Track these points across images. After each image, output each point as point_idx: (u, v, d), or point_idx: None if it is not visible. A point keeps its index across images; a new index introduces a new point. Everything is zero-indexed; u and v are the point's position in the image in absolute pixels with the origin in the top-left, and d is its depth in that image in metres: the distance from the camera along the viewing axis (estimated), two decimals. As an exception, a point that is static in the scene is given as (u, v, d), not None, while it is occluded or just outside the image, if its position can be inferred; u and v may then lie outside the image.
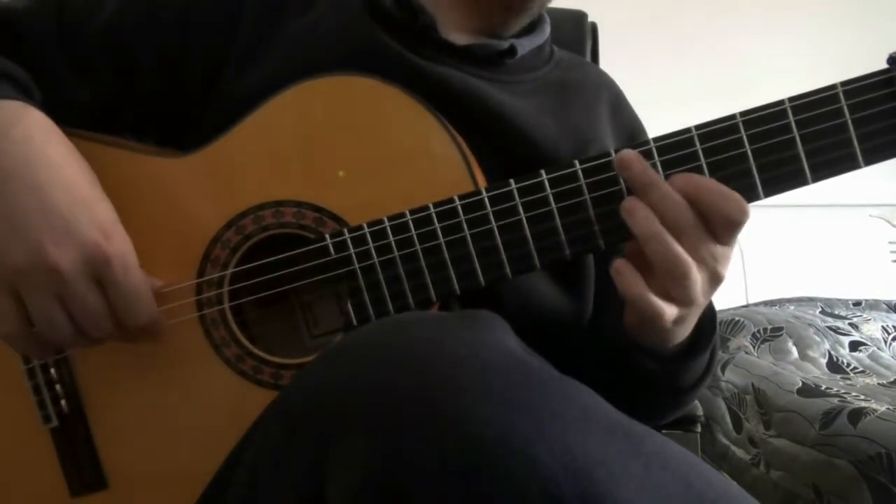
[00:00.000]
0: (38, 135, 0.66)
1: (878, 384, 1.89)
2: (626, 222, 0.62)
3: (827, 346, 2.12)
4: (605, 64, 1.21)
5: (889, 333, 2.27)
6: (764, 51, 2.90)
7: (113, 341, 0.67)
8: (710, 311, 0.73)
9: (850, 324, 2.28)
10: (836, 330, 2.22)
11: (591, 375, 0.55)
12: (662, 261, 0.61)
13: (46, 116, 0.68)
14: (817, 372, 1.98)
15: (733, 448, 1.90)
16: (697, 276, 0.62)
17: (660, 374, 0.72)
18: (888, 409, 1.55)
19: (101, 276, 0.63)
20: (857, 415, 1.55)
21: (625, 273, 0.63)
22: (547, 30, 0.91)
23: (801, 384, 1.79)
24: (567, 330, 0.80)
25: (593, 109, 0.87)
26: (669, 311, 0.63)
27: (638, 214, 0.62)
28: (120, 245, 0.64)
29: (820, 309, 2.39)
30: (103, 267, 0.63)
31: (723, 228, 0.61)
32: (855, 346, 2.17)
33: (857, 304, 2.48)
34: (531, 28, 0.89)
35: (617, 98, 0.92)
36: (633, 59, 2.46)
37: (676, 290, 0.62)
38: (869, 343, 2.19)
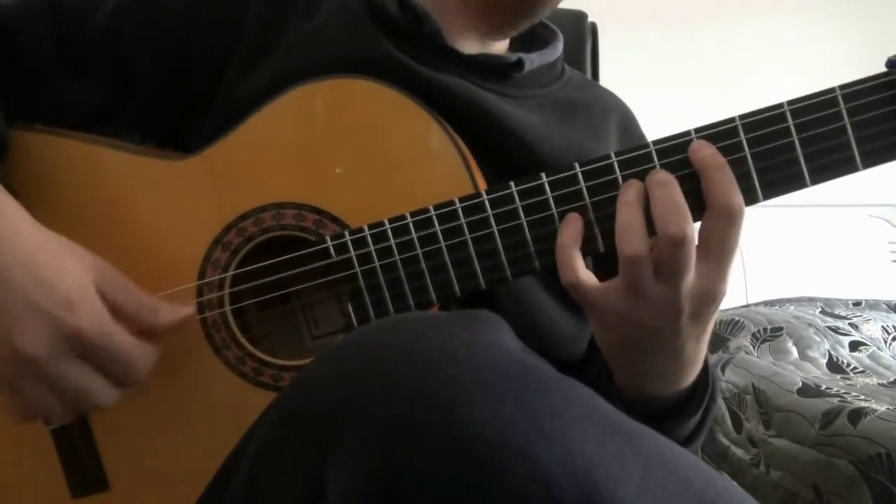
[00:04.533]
0: None
1: (878, 384, 1.88)
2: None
3: (827, 346, 2.12)
4: (605, 64, 1.21)
5: (889, 333, 2.27)
6: (764, 52, 2.90)
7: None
8: (703, 375, 0.73)
9: (850, 324, 2.28)
10: (836, 330, 2.22)
11: None
12: (619, 229, 0.61)
13: None
14: (817, 372, 1.98)
15: (733, 448, 1.90)
16: (648, 270, 0.61)
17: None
18: (888, 409, 1.55)
19: (80, 350, 0.61)
20: (857, 415, 1.54)
21: (572, 223, 0.64)
22: (559, 47, 0.90)
23: (801, 384, 1.79)
24: (565, 347, 0.80)
25: (600, 130, 0.86)
26: (588, 277, 0.63)
27: (629, 190, 0.63)
28: (87, 314, 0.61)
29: (820, 309, 2.38)
30: (75, 341, 0.60)
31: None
32: (855, 346, 2.16)
33: (857, 304, 2.47)
34: (544, 43, 0.89)
35: (627, 121, 0.91)
36: (633, 60, 2.46)
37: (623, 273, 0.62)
38: (869, 343, 2.18)
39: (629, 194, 0.62)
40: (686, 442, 0.76)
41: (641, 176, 0.63)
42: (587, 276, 0.63)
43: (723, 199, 0.60)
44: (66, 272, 0.62)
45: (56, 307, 0.59)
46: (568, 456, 0.40)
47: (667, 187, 0.61)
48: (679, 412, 0.72)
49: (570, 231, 0.64)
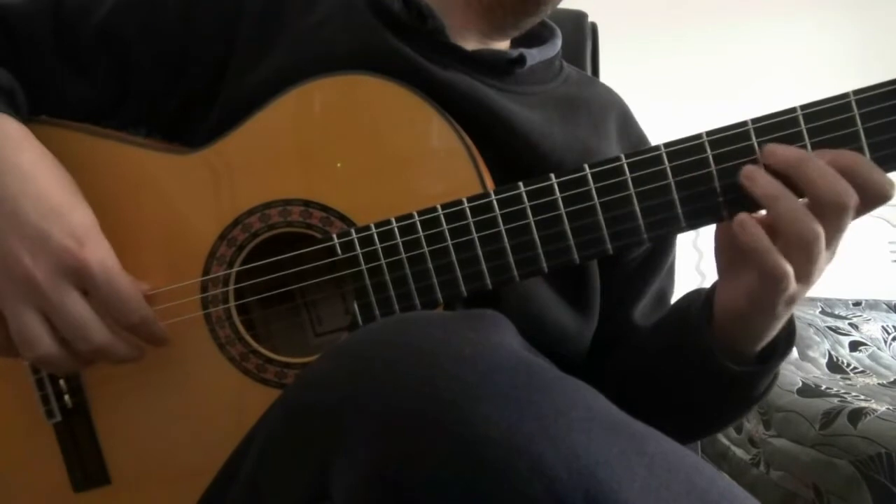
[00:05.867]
0: (8, 144, 0.66)
1: (878, 384, 1.89)
2: (745, 187, 0.62)
3: (827, 346, 2.12)
4: (605, 64, 1.20)
5: (889, 333, 2.27)
6: (766, 52, 2.89)
7: (103, 364, 0.67)
8: (790, 322, 0.72)
9: (850, 324, 2.28)
10: (835, 330, 2.22)
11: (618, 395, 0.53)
12: (791, 221, 0.60)
13: (20, 123, 0.68)
14: (817, 372, 1.98)
15: (733, 448, 1.90)
16: (823, 244, 0.60)
17: (741, 377, 0.70)
18: (888, 409, 1.55)
19: (81, 283, 0.63)
20: (857, 415, 1.55)
21: (749, 225, 0.61)
22: (558, 44, 0.90)
23: (801, 384, 1.79)
24: (569, 343, 0.80)
25: (600, 127, 0.86)
26: (791, 272, 0.61)
27: (761, 178, 0.61)
28: (95, 249, 0.64)
29: (820, 309, 2.38)
30: (80, 273, 0.63)
31: (870, 202, 0.60)
32: (855, 346, 2.17)
33: (857, 304, 2.47)
34: (543, 40, 0.89)
35: (625, 116, 0.91)
36: (634, 60, 2.46)
37: (799, 255, 0.60)
38: (869, 343, 2.19)
39: (774, 186, 0.61)
40: (763, 395, 0.75)
41: (653, 177, 0.63)
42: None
43: (831, 195, 0.59)
44: (76, 209, 0.66)
45: (65, 236, 0.62)
46: (572, 456, 0.39)
47: (814, 161, 0.60)
48: (774, 353, 0.71)
49: (759, 231, 0.61)
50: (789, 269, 0.61)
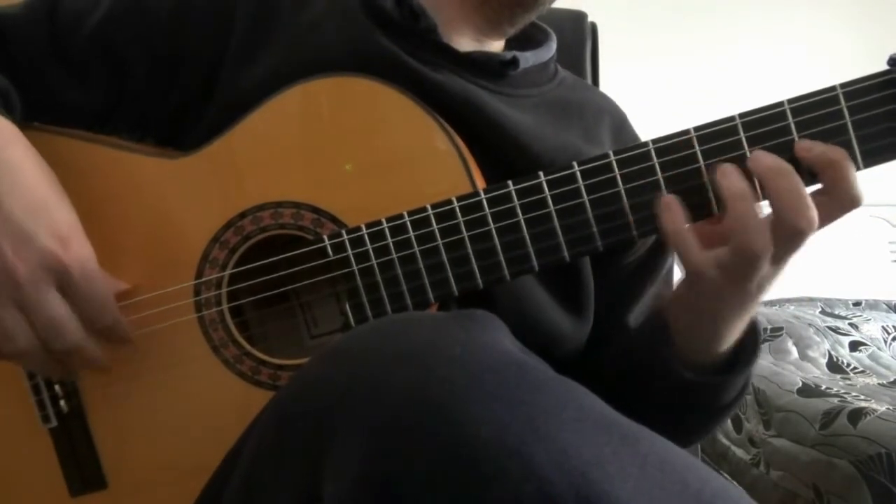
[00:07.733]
0: None
1: (878, 384, 1.88)
2: (717, 181, 0.62)
3: (827, 346, 2.12)
4: (604, 64, 1.20)
5: (889, 333, 2.27)
6: (766, 51, 2.89)
7: (79, 360, 0.67)
8: (754, 329, 0.73)
9: (850, 324, 2.28)
10: (836, 330, 2.22)
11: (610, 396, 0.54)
12: (741, 222, 0.60)
13: (7, 120, 0.68)
14: (817, 372, 1.97)
15: (733, 448, 1.90)
16: (767, 256, 0.61)
17: (699, 387, 0.71)
18: (888, 409, 1.54)
19: (60, 282, 0.64)
20: (857, 415, 1.54)
21: (672, 208, 0.62)
22: (553, 47, 0.89)
23: (801, 384, 1.79)
24: (563, 344, 0.80)
25: (592, 132, 0.86)
26: (710, 270, 0.62)
27: (733, 175, 0.61)
28: (78, 250, 0.64)
29: (820, 309, 2.38)
30: (61, 273, 0.63)
31: (844, 206, 0.61)
32: (855, 346, 2.16)
33: (857, 304, 2.47)
34: (537, 43, 0.89)
35: (620, 122, 0.91)
36: (633, 60, 2.46)
37: (737, 262, 0.61)
38: (869, 343, 2.18)
39: (742, 185, 0.61)
40: (731, 405, 0.76)
41: (641, 173, 0.63)
42: (709, 259, 0.63)
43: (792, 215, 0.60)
44: (61, 206, 0.66)
45: (49, 234, 0.63)
46: (563, 456, 0.39)
47: (791, 178, 0.60)
48: (737, 363, 0.72)
49: (674, 216, 0.63)
50: (704, 261, 0.62)
